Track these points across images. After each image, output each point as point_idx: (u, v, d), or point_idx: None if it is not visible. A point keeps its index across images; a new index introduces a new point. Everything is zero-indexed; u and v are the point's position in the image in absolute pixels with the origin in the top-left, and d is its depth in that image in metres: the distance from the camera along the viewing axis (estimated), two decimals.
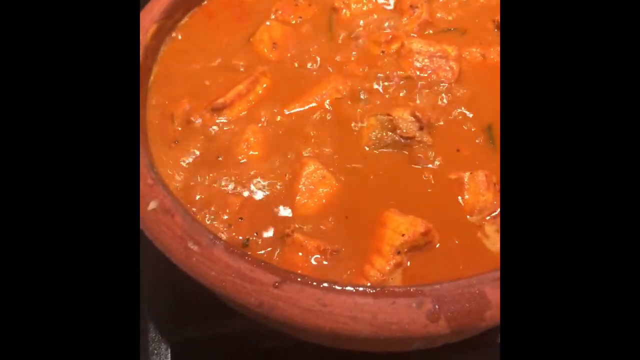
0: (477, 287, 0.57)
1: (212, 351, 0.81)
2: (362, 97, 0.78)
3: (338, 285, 0.57)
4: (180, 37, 0.88)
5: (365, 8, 0.90)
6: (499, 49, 0.83)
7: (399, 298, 0.57)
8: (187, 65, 0.84)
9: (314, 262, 0.65)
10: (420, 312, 0.56)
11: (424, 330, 0.56)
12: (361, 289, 0.57)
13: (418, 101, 0.77)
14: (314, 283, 0.58)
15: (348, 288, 0.57)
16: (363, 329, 0.56)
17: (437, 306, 0.56)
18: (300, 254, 0.65)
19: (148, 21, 0.81)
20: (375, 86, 0.80)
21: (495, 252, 0.65)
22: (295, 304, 0.57)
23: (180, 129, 0.76)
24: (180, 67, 0.84)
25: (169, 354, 0.81)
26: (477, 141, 0.74)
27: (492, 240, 0.66)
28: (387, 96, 0.78)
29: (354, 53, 0.85)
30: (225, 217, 0.68)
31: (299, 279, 0.58)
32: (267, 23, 0.88)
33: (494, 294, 0.57)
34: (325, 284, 0.58)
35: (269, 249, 0.66)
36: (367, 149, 0.74)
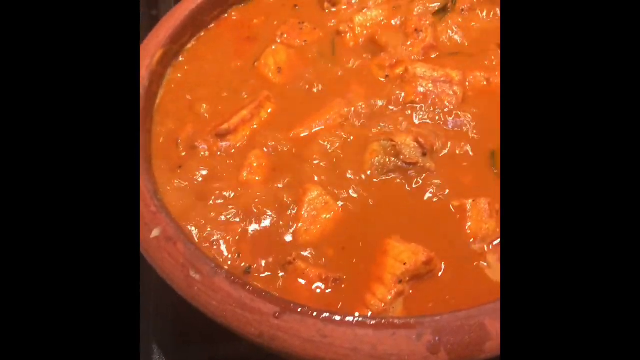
0: (477, 319, 0.57)
1: None
2: (365, 122, 0.79)
3: (338, 316, 0.58)
4: (186, 61, 0.89)
5: (369, 31, 0.90)
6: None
7: (399, 329, 0.57)
8: (192, 89, 0.85)
9: (316, 291, 0.65)
10: (420, 344, 0.56)
11: None
12: (361, 320, 0.57)
13: (421, 127, 0.77)
14: (314, 314, 0.58)
15: (348, 319, 0.57)
16: None
17: (437, 338, 0.56)
18: (302, 281, 0.66)
19: (154, 46, 0.82)
20: (379, 111, 0.80)
21: (497, 282, 0.65)
22: (295, 334, 0.58)
23: (184, 154, 0.77)
24: (186, 91, 0.85)
25: None
26: (480, 168, 0.74)
27: (494, 269, 0.66)
28: (390, 121, 0.78)
29: (356, 74, 0.85)
30: (227, 244, 0.68)
31: (299, 310, 0.58)
32: (273, 47, 0.88)
33: (493, 325, 0.57)
34: (326, 315, 0.58)
35: (270, 277, 0.66)
36: (369, 174, 0.74)
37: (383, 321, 0.57)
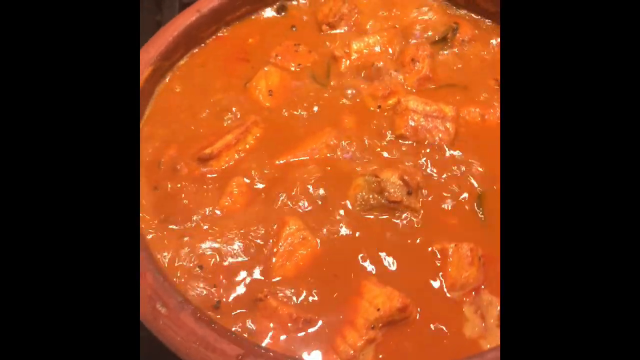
0: None
1: None
2: (352, 154, 0.77)
3: None
4: (176, 78, 0.87)
5: (365, 59, 0.88)
6: (498, 109, 0.80)
7: None
8: (180, 108, 0.83)
9: (286, 331, 0.63)
10: None
11: None
12: None
13: (408, 163, 0.75)
14: (278, 358, 0.56)
15: None
16: None
17: None
18: (272, 320, 0.64)
19: (144, 63, 0.81)
20: (367, 144, 0.78)
21: (471, 337, 0.62)
22: None
23: (164, 175, 0.75)
24: (173, 110, 0.83)
25: None
26: (466, 211, 0.72)
27: (471, 323, 0.63)
28: (377, 156, 0.76)
29: (349, 102, 0.83)
30: (199, 275, 0.67)
31: (262, 353, 0.57)
32: (266, 69, 0.86)
33: None
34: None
35: (240, 313, 0.64)
36: (352, 210, 0.72)
37: None
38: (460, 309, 0.64)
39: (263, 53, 0.91)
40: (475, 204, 0.72)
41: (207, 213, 0.72)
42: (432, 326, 0.63)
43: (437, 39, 0.90)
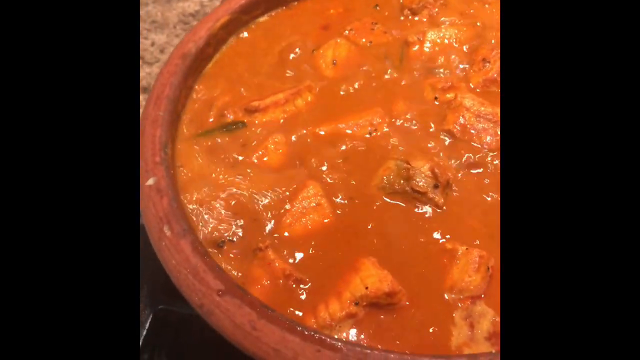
0: None
1: (184, 328, 0.85)
2: (393, 138, 0.76)
3: (273, 313, 0.57)
4: (252, 33, 0.91)
5: (438, 49, 0.86)
6: None
7: (325, 349, 0.55)
8: (246, 61, 0.87)
9: (275, 284, 0.65)
10: None
11: None
12: (293, 325, 0.56)
13: (445, 159, 0.73)
14: (253, 303, 0.58)
15: (282, 319, 0.57)
16: None
17: None
18: (266, 271, 0.65)
19: (223, 11, 0.85)
20: (412, 131, 0.77)
21: (456, 344, 0.60)
22: (230, 317, 0.58)
23: (212, 120, 0.79)
24: (240, 61, 0.87)
25: (149, 321, 0.85)
26: (491, 218, 0.69)
27: (458, 330, 0.61)
28: (417, 144, 0.75)
29: (408, 88, 0.82)
30: (216, 213, 0.70)
31: (240, 294, 0.59)
32: (338, 40, 0.88)
33: None
34: (263, 308, 0.58)
35: (240, 257, 0.67)
36: (375, 190, 0.71)
37: (314, 334, 0.56)
38: (452, 312, 0.62)
39: (340, 26, 0.92)
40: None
41: (240, 159, 0.75)
42: (418, 321, 0.62)
43: None
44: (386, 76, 0.84)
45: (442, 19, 0.91)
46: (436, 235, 0.68)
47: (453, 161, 0.73)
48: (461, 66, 0.84)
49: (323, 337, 0.56)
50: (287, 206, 0.70)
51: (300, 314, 0.62)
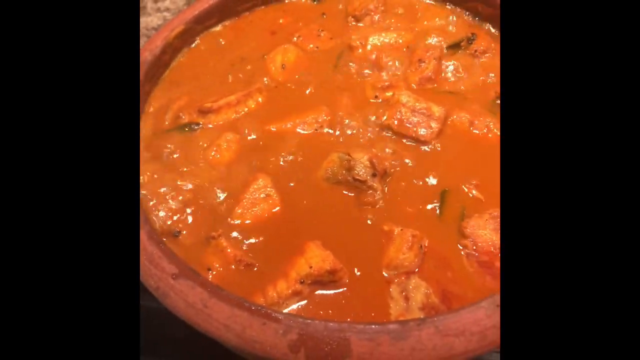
0: (345, 334, 0.59)
1: (151, 322, 0.89)
2: (337, 133, 0.82)
3: (223, 292, 0.62)
4: (205, 41, 0.97)
5: (378, 52, 0.93)
6: (489, 121, 0.83)
7: (270, 321, 0.60)
8: (201, 67, 0.93)
9: (228, 269, 0.70)
10: (283, 340, 0.59)
11: (283, 357, 0.59)
12: (241, 301, 0.61)
13: (383, 150, 0.79)
14: (205, 284, 0.63)
15: (231, 297, 0.62)
16: (231, 339, 0.60)
17: (301, 339, 0.59)
18: (219, 257, 0.71)
19: (178, 22, 0.91)
20: (354, 127, 0.83)
21: (393, 315, 0.66)
22: (183, 297, 0.63)
23: (167, 122, 0.84)
24: (195, 68, 0.93)
25: None
26: (425, 203, 0.75)
27: (395, 302, 0.67)
28: (358, 139, 0.81)
29: (351, 88, 0.89)
30: (170, 206, 0.75)
31: (192, 276, 0.64)
32: (285, 46, 0.94)
33: (359, 344, 0.59)
34: (213, 288, 0.63)
35: (194, 246, 0.72)
36: (320, 180, 0.77)
37: (260, 309, 0.61)
38: (389, 287, 0.68)
39: (289, 33, 0.98)
40: (436, 200, 0.75)
41: (195, 157, 0.80)
42: (358, 295, 0.67)
43: (451, 44, 0.93)
44: (331, 77, 0.91)
45: (383, 25, 0.98)
46: (375, 219, 0.74)
47: (390, 152, 0.80)
48: (400, 66, 0.91)
49: (269, 312, 0.61)
50: (239, 197, 0.75)
51: (250, 293, 0.68)
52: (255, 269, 0.70)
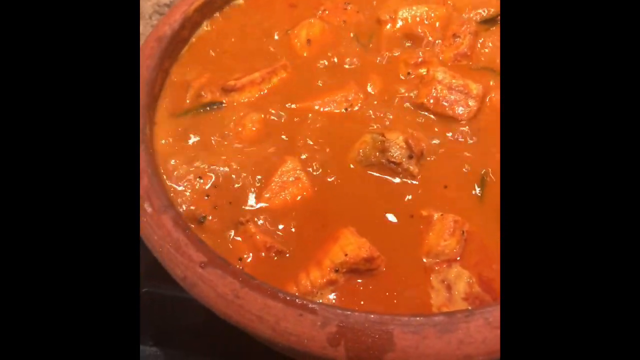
0: (387, 327, 0.55)
1: (170, 310, 0.86)
2: (368, 113, 0.78)
3: (256, 281, 0.59)
4: (227, 15, 0.92)
5: (409, 26, 0.88)
6: None
7: (307, 313, 0.56)
8: (222, 42, 0.88)
9: (257, 256, 0.66)
10: (322, 332, 0.56)
11: (321, 351, 0.56)
12: (275, 291, 0.58)
13: (419, 130, 0.74)
14: (235, 273, 0.59)
15: (263, 286, 0.58)
16: (265, 331, 0.57)
17: (340, 331, 0.55)
18: (247, 244, 0.67)
19: None
20: (385, 105, 0.78)
21: (435, 306, 0.62)
22: (213, 287, 0.59)
23: (189, 101, 0.80)
24: (215, 44, 0.88)
25: None
26: (464, 186, 0.71)
27: (436, 291, 0.63)
28: (393, 118, 0.77)
29: (381, 64, 0.84)
30: (196, 189, 0.71)
31: (222, 265, 0.60)
32: (311, 20, 0.89)
33: (402, 337, 0.55)
34: (245, 277, 0.59)
35: (221, 231, 0.68)
36: (352, 163, 0.73)
37: (295, 300, 0.57)
38: (429, 276, 0.64)
39: (313, 7, 0.93)
40: (476, 183, 0.71)
41: (219, 138, 0.76)
42: (396, 284, 0.64)
43: (486, 18, 0.88)
44: (360, 53, 0.86)
45: None
46: (412, 203, 0.70)
47: (426, 132, 0.75)
48: (433, 41, 0.85)
49: (305, 302, 0.57)
50: (267, 181, 0.71)
51: (282, 282, 0.64)
52: (287, 255, 0.66)
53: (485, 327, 0.55)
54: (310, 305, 0.57)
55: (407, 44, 0.86)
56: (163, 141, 0.75)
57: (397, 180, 0.72)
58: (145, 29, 1.37)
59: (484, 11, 0.89)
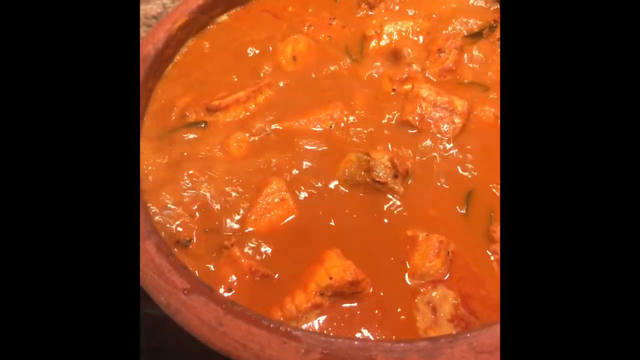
0: (371, 353, 0.55)
1: (157, 330, 0.85)
2: (353, 131, 0.77)
3: (239, 308, 0.58)
4: (211, 33, 0.92)
5: (395, 42, 0.88)
6: None
7: (291, 340, 0.56)
8: (207, 60, 0.88)
9: (242, 281, 0.66)
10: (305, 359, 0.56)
11: None
12: (259, 318, 0.57)
13: (403, 149, 0.74)
14: (219, 300, 0.59)
15: (248, 313, 0.58)
16: (249, 358, 0.56)
17: (324, 359, 0.55)
18: (232, 268, 0.66)
19: (180, 13, 0.86)
20: (371, 124, 0.78)
21: (421, 328, 0.62)
22: (196, 315, 0.59)
23: (174, 119, 0.80)
24: (200, 62, 0.87)
25: None
26: (449, 204, 0.70)
27: (422, 314, 0.63)
28: (376, 136, 0.76)
29: (366, 81, 0.84)
30: (180, 213, 0.70)
31: (206, 292, 0.60)
32: (295, 36, 0.89)
33: None
34: (228, 304, 0.59)
35: (205, 256, 0.68)
36: (337, 182, 0.73)
37: (279, 327, 0.57)
38: (414, 298, 0.64)
39: (299, 21, 0.93)
40: (461, 203, 0.71)
41: (203, 158, 0.75)
42: (381, 307, 0.63)
43: (472, 33, 0.87)
44: (345, 70, 0.85)
45: (398, 9, 0.93)
46: (397, 223, 0.70)
47: (411, 151, 0.75)
48: (418, 57, 0.85)
49: (289, 329, 0.57)
50: (252, 203, 0.71)
51: (268, 308, 0.63)
52: (272, 279, 0.66)
53: (470, 353, 0.55)
54: (293, 333, 0.57)
55: (392, 60, 0.86)
56: (146, 162, 0.75)
57: (382, 199, 0.71)
58: None
59: (469, 26, 0.89)
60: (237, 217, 0.70)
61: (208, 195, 0.72)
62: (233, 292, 0.65)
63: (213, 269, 0.67)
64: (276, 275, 0.66)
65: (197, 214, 0.70)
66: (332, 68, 0.86)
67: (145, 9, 1.45)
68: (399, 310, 0.63)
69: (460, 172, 0.73)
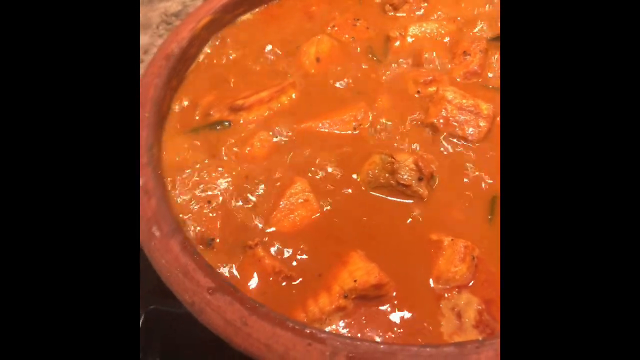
0: (397, 357, 0.55)
1: (177, 328, 0.85)
2: (377, 132, 0.77)
3: (264, 309, 0.58)
4: (235, 32, 0.92)
5: (419, 43, 0.87)
6: None
7: (316, 342, 0.56)
8: (230, 60, 0.87)
9: (265, 281, 0.66)
10: None
11: None
12: (284, 320, 0.57)
13: (428, 151, 0.74)
14: (244, 300, 0.59)
15: (272, 315, 0.58)
16: None
17: None
18: (255, 268, 0.66)
19: (204, 12, 0.86)
20: (396, 126, 0.78)
21: (446, 333, 0.61)
22: (221, 314, 0.59)
23: (198, 118, 0.80)
24: (224, 61, 0.87)
25: (141, 322, 0.86)
26: (475, 210, 0.70)
27: (446, 319, 0.62)
28: (401, 138, 0.76)
29: (390, 83, 0.83)
30: (204, 212, 0.70)
31: (231, 291, 0.60)
32: (318, 37, 0.88)
33: None
34: (253, 304, 0.58)
35: (229, 255, 0.67)
36: (361, 184, 0.72)
37: (304, 329, 0.57)
38: (439, 302, 0.64)
39: (323, 22, 0.92)
40: (490, 206, 0.70)
41: (227, 158, 0.75)
42: (406, 310, 0.63)
43: (496, 36, 0.87)
44: (369, 72, 0.85)
45: (422, 12, 0.92)
46: (422, 227, 0.69)
47: (436, 154, 0.74)
48: (443, 59, 0.85)
49: (314, 331, 0.57)
50: (275, 203, 0.70)
51: (290, 308, 0.63)
52: (295, 281, 0.65)
53: (496, 359, 0.54)
54: (319, 335, 0.56)
55: (417, 62, 0.85)
56: (169, 160, 0.75)
57: (406, 202, 0.71)
58: (152, 39, 1.37)
59: (494, 29, 0.88)
60: (261, 217, 0.70)
61: (232, 194, 0.72)
62: (256, 292, 0.65)
63: (235, 269, 0.66)
64: (298, 277, 0.66)
65: (222, 213, 0.70)
66: (355, 69, 0.85)
67: (166, 6, 1.46)
68: (423, 314, 0.63)
69: (485, 176, 0.73)
